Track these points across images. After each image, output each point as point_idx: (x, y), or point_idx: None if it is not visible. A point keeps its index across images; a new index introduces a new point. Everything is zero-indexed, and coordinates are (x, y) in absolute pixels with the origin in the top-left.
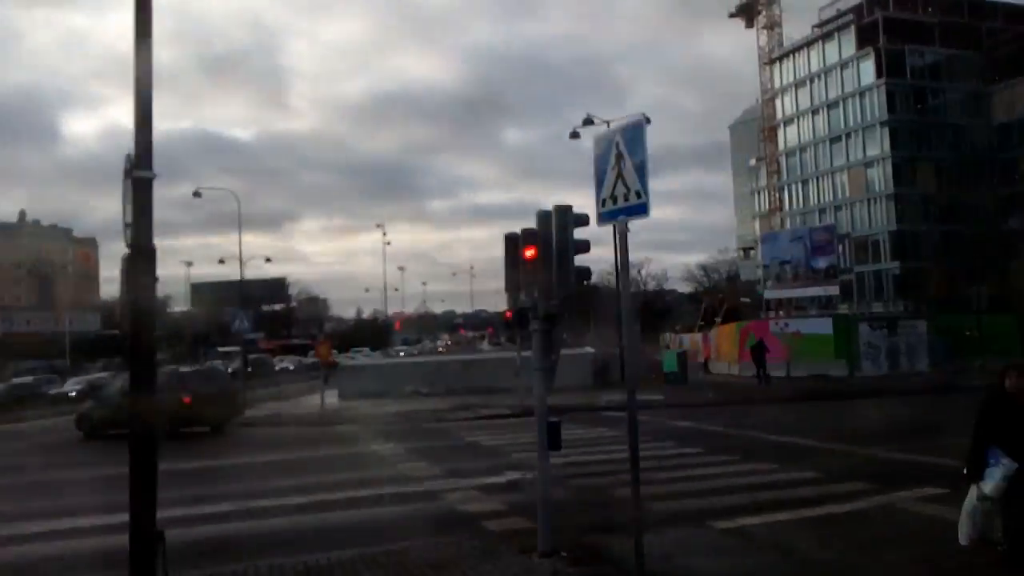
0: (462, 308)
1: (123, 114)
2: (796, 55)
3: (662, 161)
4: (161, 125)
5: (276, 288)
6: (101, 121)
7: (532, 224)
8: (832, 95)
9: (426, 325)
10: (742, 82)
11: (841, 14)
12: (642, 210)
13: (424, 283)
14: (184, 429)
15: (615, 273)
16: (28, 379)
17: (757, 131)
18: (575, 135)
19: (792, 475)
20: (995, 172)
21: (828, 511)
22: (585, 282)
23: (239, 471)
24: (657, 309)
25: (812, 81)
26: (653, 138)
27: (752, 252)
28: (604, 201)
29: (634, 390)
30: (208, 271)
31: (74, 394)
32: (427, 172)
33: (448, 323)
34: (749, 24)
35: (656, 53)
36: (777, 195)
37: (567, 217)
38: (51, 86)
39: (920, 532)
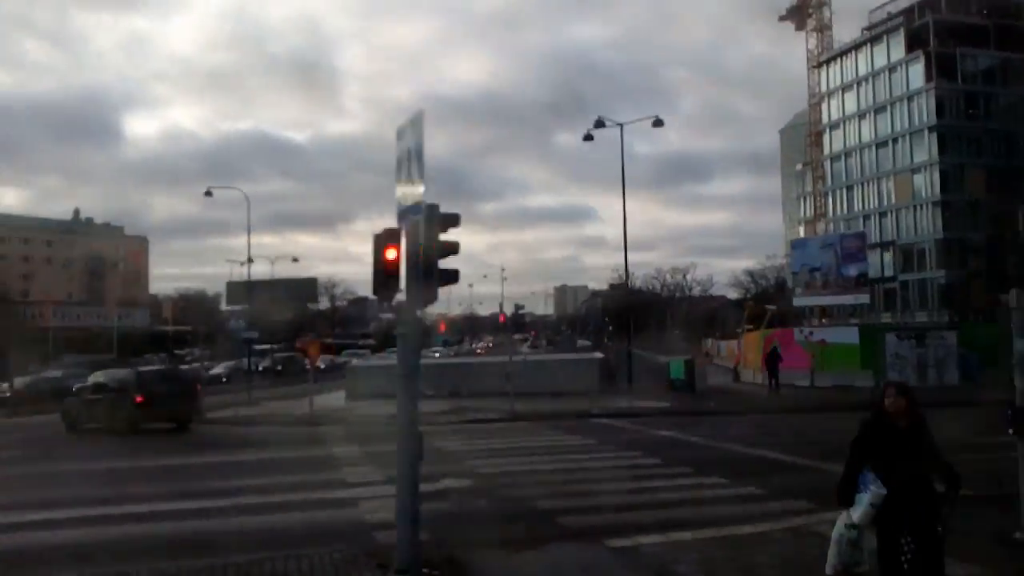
0: (509, 310)
1: (182, 115)
2: (844, 58)
3: (714, 165)
4: (221, 126)
5: (306, 288)
6: (161, 122)
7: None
8: (880, 99)
9: (471, 327)
10: (794, 86)
11: (891, 17)
12: (418, 211)
13: (471, 285)
14: (143, 427)
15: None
16: (57, 373)
17: (806, 135)
18: (588, 137)
19: (736, 491)
20: None
21: (740, 531)
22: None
23: (169, 472)
24: (699, 315)
25: (859, 85)
26: (705, 143)
27: None
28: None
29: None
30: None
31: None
32: (477, 175)
33: (492, 325)
34: (799, 27)
35: (709, 57)
36: (822, 201)
37: (431, 216)
38: (115, 88)
39: (807, 559)
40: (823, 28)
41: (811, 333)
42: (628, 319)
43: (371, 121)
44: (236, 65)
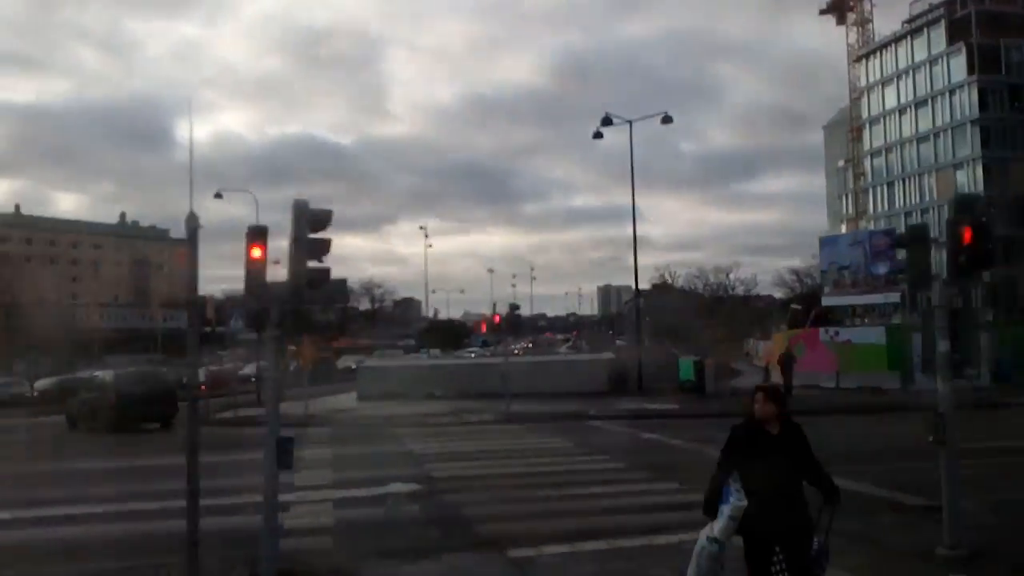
0: (555, 311)
1: (231, 120)
2: (884, 52)
3: (761, 163)
4: (271, 131)
5: (335, 289)
6: (212, 127)
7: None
8: (921, 93)
9: (511, 327)
10: (839, 81)
11: (931, 8)
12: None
13: (513, 285)
14: (126, 426)
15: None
16: (86, 374)
17: (848, 131)
18: (598, 135)
19: (684, 498)
20: None
21: (655, 541)
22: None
23: (117, 473)
24: (743, 315)
25: (900, 79)
26: (752, 140)
27: None
28: None
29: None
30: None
31: None
32: (521, 175)
33: (535, 325)
34: (840, 21)
35: (754, 53)
36: (863, 198)
37: (300, 213)
38: (167, 94)
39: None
40: (863, 22)
41: (837, 333)
42: (638, 319)
43: (416, 123)
44: (283, 70)
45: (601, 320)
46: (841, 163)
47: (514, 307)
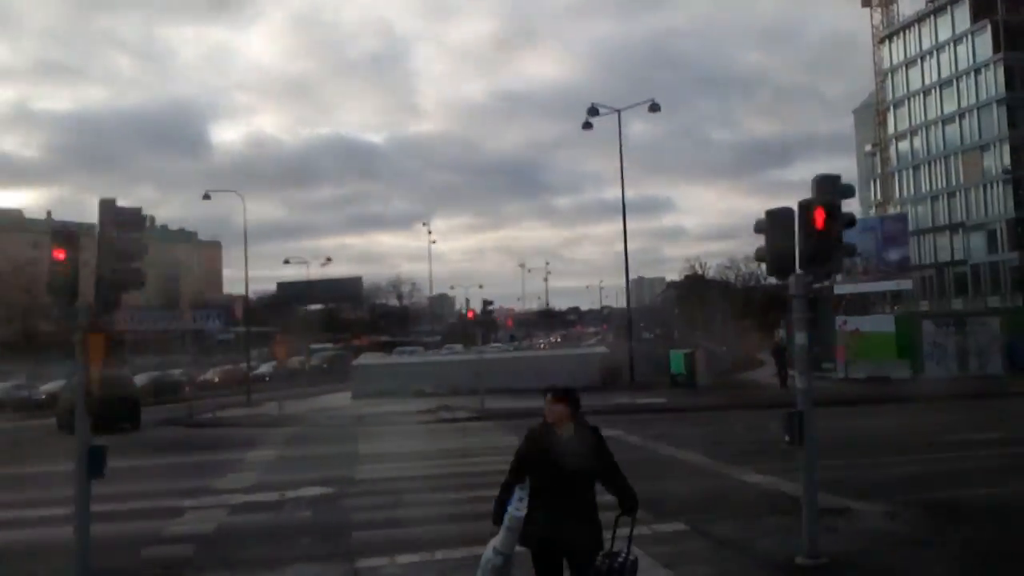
0: (588, 304)
1: (264, 122)
2: (907, 32)
3: (795, 149)
4: (303, 132)
5: (350, 287)
6: (245, 129)
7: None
8: (945, 73)
9: (543, 322)
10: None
11: None
12: None
13: (545, 279)
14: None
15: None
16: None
17: (874, 115)
18: (588, 125)
19: (608, 499)
20: None
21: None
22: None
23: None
24: (774, 305)
25: (923, 59)
26: (784, 127)
27: None
28: None
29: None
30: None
31: None
32: (552, 169)
33: (565, 320)
34: (865, 2)
35: (783, 39)
36: (889, 183)
37: (107, 214)
38: (201, 98)
39: None
40: (888, 2)
41: (844, 322)
42: (629, 311)
43: (446, 120)
44: (314, 71)
45: (634, 312)
46: (868, 148)
47: (487, 303)
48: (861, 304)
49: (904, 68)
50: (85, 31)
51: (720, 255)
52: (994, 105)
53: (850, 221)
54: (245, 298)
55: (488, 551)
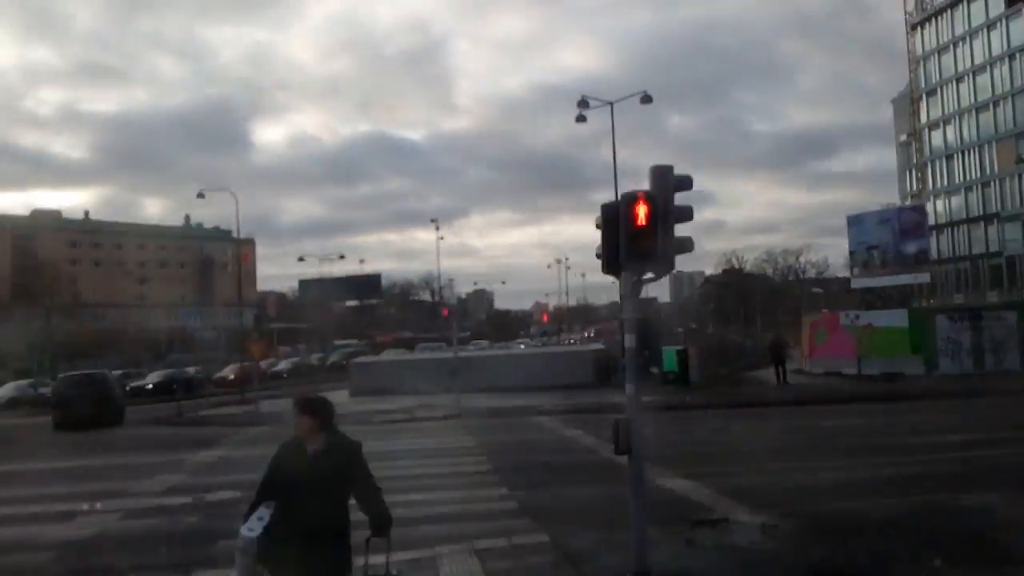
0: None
1: (305, 121)
2: (939, 18)
3: (837, 139)
4: (343, 130)
5: (370, 284)
6: (287, 128)
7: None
8: (979, 60)
9: (578, 317)
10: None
11: None
12: None
13: (583, 275)
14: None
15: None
16: (116, 372)
17: (909, 104)
18: (581, 118)
19: (501, 506)
20: None
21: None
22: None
23: None
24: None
25: (956, 46)
26: (827, 117)
27: None
28: None
29: None
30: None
31: (151, 387)
32: (590, 163)
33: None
34: None
35: (824, 28)
36: (924, 172)
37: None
38: (242, 98)
39: None
40: None
41: (857, 316)
42: (623, 306)
43: (483, 116)
44: (352, 69)
45: (672, 306)
46: (903, 137)
47: (461, 300)
48: (898, 297)
49: (936, 55)
50: (128, 33)
51: (760, 249)
52: None
53: (685, 215)
54: (240, 297)
55: (233, 572)
